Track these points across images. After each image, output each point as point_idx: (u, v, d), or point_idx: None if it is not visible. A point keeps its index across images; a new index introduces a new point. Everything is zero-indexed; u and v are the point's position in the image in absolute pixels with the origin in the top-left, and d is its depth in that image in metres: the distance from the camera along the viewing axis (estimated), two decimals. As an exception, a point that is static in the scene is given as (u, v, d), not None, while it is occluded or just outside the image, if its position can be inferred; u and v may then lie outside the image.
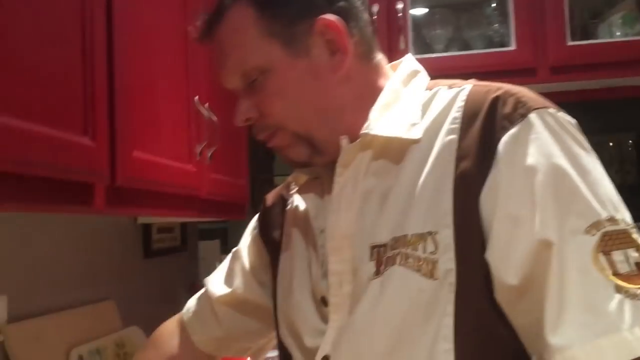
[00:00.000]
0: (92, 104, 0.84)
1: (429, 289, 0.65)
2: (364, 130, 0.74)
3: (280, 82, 0.74)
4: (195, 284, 2.25)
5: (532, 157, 0.65)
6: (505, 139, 0.67)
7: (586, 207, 0.62)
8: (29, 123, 0.70)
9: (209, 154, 1.32)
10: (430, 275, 0.66)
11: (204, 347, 1.02)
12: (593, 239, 0.61)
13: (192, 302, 1.08)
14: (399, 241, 0.69)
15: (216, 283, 1.03)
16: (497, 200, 0.65)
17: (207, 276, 2.57)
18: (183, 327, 1.05)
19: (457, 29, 1.88)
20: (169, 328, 1.07)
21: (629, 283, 0.59)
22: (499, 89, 0.71)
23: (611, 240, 0.61)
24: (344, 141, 0.75)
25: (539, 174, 0.64)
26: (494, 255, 0.64)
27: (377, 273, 0.70)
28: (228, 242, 3.41)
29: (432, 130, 0.72)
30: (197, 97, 1.28)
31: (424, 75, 0.81)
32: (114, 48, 0.92)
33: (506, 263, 0.63)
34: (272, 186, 4.02)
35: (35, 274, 1.29)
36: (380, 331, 0.68)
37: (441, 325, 0.65)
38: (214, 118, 1.34)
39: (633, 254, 0.61)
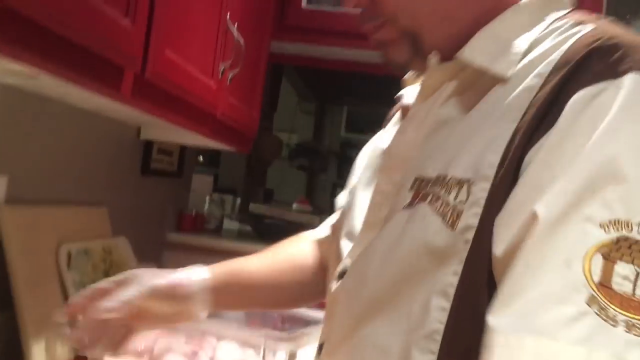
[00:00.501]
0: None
1: (446, 238, 0.58)
2: (458, 54, 0.65)
3: None
4: (183, 212, 2.25)
5: (598, 127, 0.52)
6: (578, 95, 0.54)
7: (621, 199, 0.49)
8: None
9: (230, 76, 1.31)
10: (452, 225, 0.58)
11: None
12: (603, 236, 0.48)
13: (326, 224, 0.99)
14: (439, 180, 0.62)
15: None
16: (533, 163, 0.55)
17: (196, 207, 2.55)
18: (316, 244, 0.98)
19: None
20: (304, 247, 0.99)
21: (613, 303, 0.46)
22: (613, 38, 0.57)
23: (628, 250, 0.48)
24: (433, 59, 0.68)
25: (593, 151, 0.51)
26: (497, 220, 0.56)
27: (410, 205, 0.64)
28: (219, 181, 3.42)
29: (525, 72, 0.61)
30: (228, 15, 1.26)
31: (563, 1, 0.68)
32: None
33: (502, 230, 0.55)
34: (271, 135, 4.00)
35: (37, 163, 1.28)
36: (391, 264, 0.64)
37: (446, 282, 0.58)
38: (241, 42, 1.33)
39: None
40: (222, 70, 1.26)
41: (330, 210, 0.97)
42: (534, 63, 0.61)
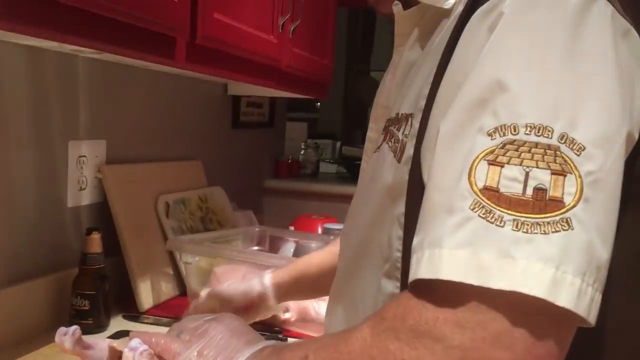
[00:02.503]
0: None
1: (394, 172, 0.61)
2: None
3: None
4: (280, 160, 2.39)
5: (486, 43, 0.52)
6: (476, 14, 0.55)
7: (505, 107, 0.49)
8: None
9: (292, 28, 1.38)
10: (399, 159, 0.61)
11: None
12: (489, 143, 0.49)
13: None
14: (395, 118, 0.66)
15: None
16: (441, 86, 0.56)
17: (292, 154, 2.67)
18: None
19: None
20: None
21: (500, 205, 0.47)
22: None
23: (515, 152, 0.48)
24: (395, 7, 0.71)
25: (482, 67, 0.52)
26: (422, 146, 0.58)
27: (379, 147, 0.68)
28: (317, 128, 3.53)
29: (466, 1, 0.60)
30: (283, -31, 1.32)
31: None
32: None
33: (423, 155, 0.57)
34: (367, 77, 4.05)
35: (132, 125, 1.44)
36: (364, 207, 0.69)
37: (399, 212, 0.60)
38: (300, -8, 1.38)
39: (541, 175, 0.47)
40: (282, 24, 1.33)
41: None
42: None
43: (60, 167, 1.22)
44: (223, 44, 1.09)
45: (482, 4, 0.55)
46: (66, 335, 0.71)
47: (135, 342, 0.65)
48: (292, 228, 1.83)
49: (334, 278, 0.78)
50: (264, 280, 0.98)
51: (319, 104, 3.67)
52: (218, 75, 1.16)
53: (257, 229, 1.60)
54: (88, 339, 0.73)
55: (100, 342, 0.74)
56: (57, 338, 0.71)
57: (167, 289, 1.39)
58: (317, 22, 1.62)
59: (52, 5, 0.71)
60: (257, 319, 1.01)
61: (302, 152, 2.55)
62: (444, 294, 0.48)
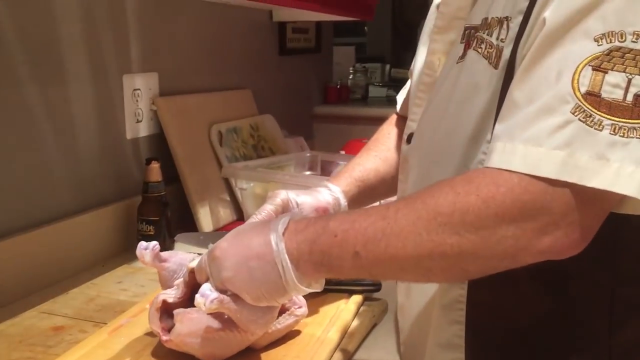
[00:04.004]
0: None
1: (491, 77, 0.62)
2: None
3: None
4: (328, 85, 2.39)
5: None
6: None
7: (615, 12, 0.52)
8: None
9: (334, -53, 1.35)
10: (495, 65, 0.61)
11: None
12: (595, 49, 0.52)
13: (400, 95, 1.06)
14: (483, 24, 0.64)
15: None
16: None
17: (340, 79, 2.65)
18: (399, 117, 1.03)
19: None
20: (384, 128, 1.05)
21: (600, 110, 0.51)
22: None
23: (620, 59, 0.51)
24: None
25: None
26: (521, 41, 0.59)
27: (462, 56, 0.68)
28: (366, 52, 3.48)
29: None
30: None
31: None
32: None
33: (521, 44, 0.58)
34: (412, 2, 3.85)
35: (181, 57, 1.47)
36: (448, 118, 0.68)
37: (490, 107, 0.62)
38: None
39: None
40: (323, -57, 1.31)
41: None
42: None
43: (117, 100, 1.26)
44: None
45: None
46: (146, 249, 0.78)
47: (206, 287, 0.67)
48: (343, 152, 1.85)
49: (401, 181, 0.80)
50: (333, 190, 0.92)
51: (366, 27, 3.59)
52: (263, 0, 1.15)
53: (308, 154, 1.63)
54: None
55: (174, 255, 0.80)
56: (137, 252, 0.79)
57: (225, 214, 1.45)
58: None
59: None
60: None
61: (350, 77, 2.54)
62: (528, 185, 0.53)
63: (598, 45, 0.52)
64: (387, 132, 1.03)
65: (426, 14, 0.86)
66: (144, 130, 1.35)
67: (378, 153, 0.99)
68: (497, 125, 0.58)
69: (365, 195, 0.96)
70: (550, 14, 0.54)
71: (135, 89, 1.30)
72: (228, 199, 1.47)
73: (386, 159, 0.98)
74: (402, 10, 3.45)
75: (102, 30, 1.20)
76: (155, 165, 1.22)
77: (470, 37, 0.67)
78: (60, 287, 1.02)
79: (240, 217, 1.46)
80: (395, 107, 1.04)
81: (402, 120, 1.02)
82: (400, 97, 1.04)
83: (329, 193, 0.90)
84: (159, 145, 1.38)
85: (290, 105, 2.07)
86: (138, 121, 1.33)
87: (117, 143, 1.27)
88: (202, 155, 1.45)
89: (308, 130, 2.24)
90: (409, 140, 0.79)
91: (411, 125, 0.79)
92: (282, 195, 0.85)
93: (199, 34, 1.52)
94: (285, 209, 0.84)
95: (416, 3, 3.45)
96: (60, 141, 1.12)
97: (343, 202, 0.91)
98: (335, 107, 2.33)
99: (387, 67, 3.04)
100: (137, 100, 1.31)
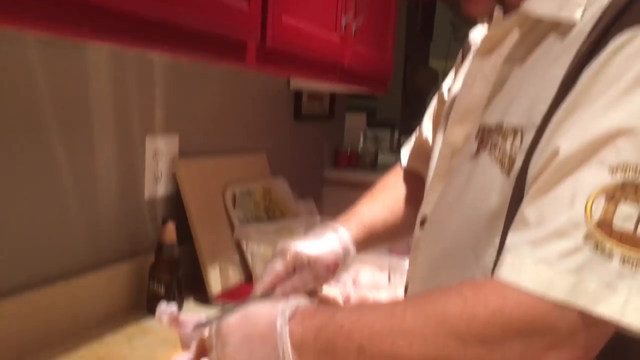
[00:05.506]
0: (249, -29, 0.97)
1: (503, 184, 0.64)
2: (524, 6, 0.68)
3: None
4: (339, 151, 2.44)
5: (626, 74, 0.55)
6: (615, 40, 0.57)
7: (632, 147, 0.53)
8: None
9: (354, 27, 1.42)
10: (508, 172, 0.63)
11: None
12: (609, 179, 0.53)
13: (405, 150, 1.11)
14: (498, 128, 0.67)
15: (425, 124, 1.06)
16: (564, 102, 0.59)
17: (351, 145, 2.69)
18: (406, 171, 1.08)
19: None
20: (390, 178, 1.10)
21: (611, 240, 0.52)
22: None
23: (633, 192, 0.53)
24: (497, 12, 0.72)
25: (616, 101, 0.55)
26: (533, 157, 0.61)
27: (476, 154, 0.70)
28: (376, 116, 3.56)
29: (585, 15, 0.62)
30: (347, -30, 1.36)
31: None
32: None
33: (533, 161, 0.60)
34: (426, 67, 4.03)
35: (202, 119, 1.52)
36: (460, 212, 0.71)
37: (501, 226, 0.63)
38: (363, -8, 1.42)
39: None
40: (345, 23, 1.37)
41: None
42: (587, 6, 0.62)
43: (138, 160, 1.31)
44: (290, 45, 1.15)
45: (621, 28, 0.57)
46: (165, 312, 0.80)
47: None
48: (351, 218, 1.87)
49: (411, 263, 0.82)
50: (343, 236, 0.94)
51: (377, 93, 3.68)
52: (284, 74, 1.21)
53: (318, 219, 1.66)
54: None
55: (189, 321, 0.82)
56: (157, 314, 0.81)
57: (234, 276, 1.47)
58: (379, 19, 1.65)
59: (137, 20, 0.77)
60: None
61: (360, 143, 2.59)
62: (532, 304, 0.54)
63: (612, 176, 0.53)
64: (394, 183, 1.07)
65: (435, 84, 0.91)
66: (161, 189, 1.38)
67: (386, 202, 1.03)
68: (508, 237, 0.59)
69: (370, 242, 0.99)
70: (565, 143, 0.56)
71: (157, 150, 1.35)
72: (238, 260, 1.49)
73: (393, 211, 1.02)
74: (412, 80, 3.55)
75: (131, 91, 1.26)
76: (170, 227, 1.25)
77: (484, 136, 0.69)
78: (71, 343, 1.03)
79: (249, 278, 1.48)
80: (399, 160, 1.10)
81: (408, 174, 1.07)
82: (405, 152, 1.10)
83: (339, 240, 0.92)
84: (174, 204, 1.41)
85: (302, 168, 2.11)
86: (157, 181, 1.36)
87: (135, 201, 1.31)
88: (216, 216, 1.48)
89: (317, 193, 2.27)
90: (422, 224, 0.81)
91: (425, 210, 0.82)
92: (292, 250, 0.87)
93: (219, 98, 1.58)
94: (296, 265, 0.87)
95: (426, 74, 3.56)
96: (81, 198, 1.15)
97: (352, 249, 0.93)
98: (344, 172, 2.37)
99: (397, 133, 3.11)
100: (157, 161, 1.35)
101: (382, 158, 2.71)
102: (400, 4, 1.90)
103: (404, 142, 1.15)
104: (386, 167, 2.82)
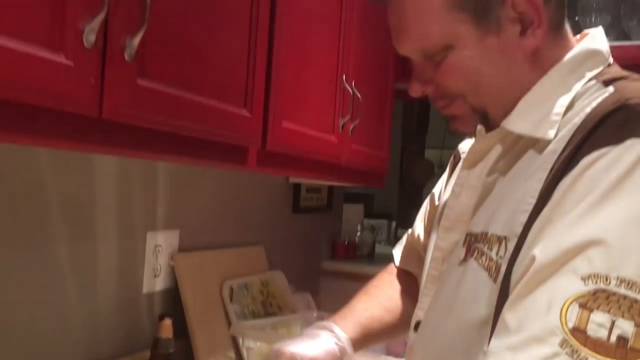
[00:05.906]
0: (252, 81, 1.04)
1: (491, 290, 0.67)
2: (503, 123, 0.73)
3: (466, 60, 0.71)
4: (337, 242, 2.46)
5: (594, 189, 0.60)
6: (584, 159, 0.62)
7: (602, 258, 0.57)
8: (199, 96, 0.90)
9: (351, 127, 1.48)
10: (494, 278, 0.67)
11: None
12: (582, 288, 0.56)
13: (397, 250, 1.14)
14: (483, 236, 0.71)
15: (417, 225, 1.10)
16: (540, 215, 0.63)
17: (348, 235, 2.72)
18: (399, 270, 1.11)
19: (615, 17, 1.83)
20: (384, 276, 1.12)
21: (586, 346, 0.55)
22: (630, 100, 0.63)
23: (604, 300, 0.56)
24: (479, 127, 0.77)
25: (584, 215, 0.59)
26: (514, 268, 0.65)
27: (464, 260, 0.74)
28: (374, 206, 3.61)
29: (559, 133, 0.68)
30: (344, 76, 1.44)
31: (599, 58, 0.73)
32: (274, 33, 1.10)
33: (514, 272, 0.64)
34: (422, 158, 4.12)
35: (201, 216, 1.56)
36: (451, 318, 0.74)
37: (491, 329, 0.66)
38: (359, 95, 1.50)
39: (625, 326, 0.55)
40: (342, 125, 1.44)
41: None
42: (564, 123, 0.69)
43: (138, 255, 1.33)
44: (289, 148, 1.20)
45: (590, 149, 0.62)
46: None
47: None
48: (348, 312, 1.87)
49: None
50: (340, 336, 0.94)
51: (375, 183, 3.75)
52: (283, 174, 1.26)
53: (314, 314, 1.66)
54: None
55: None
56: None
57: (230, 372, 1.45)
58: (375, 119, 1.72)
59: (146, 132, 0.83)
60: None
61: (358, 234, 2.62)
62: None
63: (585, 285, 0.57)
64: (389, 281, 1.09)
65: (431, 175, 0.98)
66: (160, 284, 1.40)
67: (382, 301, 1.04)
68: (491, 342, 0.62)
69: (366, 341, 1.00)
70: (540, 252, 0.60)
71: (157, 245, 1.37)
72: (234, 356, 1.48)
73: (389, 310, 1.03)
74: (409, 171, 3.63)
75: (134, 189, 1.30)
76: (167, 322, 1.25)
77: (471, 244, 0.74)
78: None
79: (244, 376, 1.46)
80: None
81: (402, 273, 1.10)
82: (397, 252, 1.14)
83: (335, 340, 0.92)
84: (172, 299, 1.42)
85: (299, 260, 2.13)
86: (155, 276, 1.38)
87: (133, 296, 1.32)
88: (213, 310, 1.49)
89: (315, 285, 2.28)
90: (415, 328, 0.84)
91: (419, 314, 0.85)
92: (288, 353, 0.88)
93: (220, 193, 1.62)
94: None
95: (422, 165, 3.65)
96: (80, 293, 1.17)
97: (349, 349, 0.93)
98: (342, 263, 2.38)
99: (394, 224, 3.14)
100: (157, 256, 1.38)
101: (380, 248, 2.73)
102: (396, 103, 1.99)
103: (400, 234, 1.19)
104: (383, 258, 2.84)
